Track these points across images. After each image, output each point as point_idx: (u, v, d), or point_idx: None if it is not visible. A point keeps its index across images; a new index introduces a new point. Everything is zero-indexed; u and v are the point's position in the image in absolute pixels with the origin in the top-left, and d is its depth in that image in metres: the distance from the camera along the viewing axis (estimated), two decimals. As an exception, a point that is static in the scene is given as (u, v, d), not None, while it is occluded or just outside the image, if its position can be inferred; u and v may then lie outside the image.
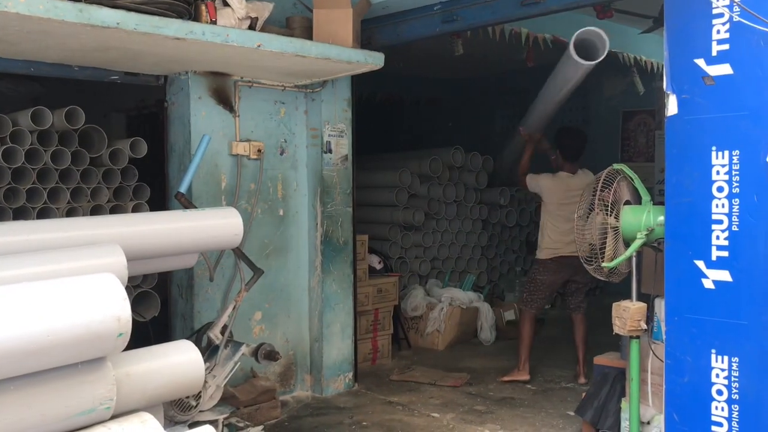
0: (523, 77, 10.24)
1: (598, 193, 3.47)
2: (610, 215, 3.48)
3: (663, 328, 3.81)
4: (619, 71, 9.08)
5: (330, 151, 4.97)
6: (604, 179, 3.51)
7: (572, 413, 4.52)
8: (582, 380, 5.26)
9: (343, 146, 5.06)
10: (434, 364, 5.81)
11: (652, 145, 8.99)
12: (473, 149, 7.81)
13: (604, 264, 3.47)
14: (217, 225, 2.98)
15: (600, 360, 4.28)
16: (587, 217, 3.59)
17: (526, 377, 5.26)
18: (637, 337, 3.52)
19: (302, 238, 4.99)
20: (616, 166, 3.59)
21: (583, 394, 4.42)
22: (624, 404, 3.81)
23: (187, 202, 3.87)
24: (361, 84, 5.42)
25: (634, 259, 3.50)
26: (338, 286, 5.03)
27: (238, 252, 3.97)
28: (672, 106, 3.26)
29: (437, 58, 7.14)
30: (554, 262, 5.28)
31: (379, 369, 5.67)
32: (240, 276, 4.26)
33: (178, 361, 2.37)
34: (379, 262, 6.06)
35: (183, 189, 3.83)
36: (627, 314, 3.48)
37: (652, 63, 8.17)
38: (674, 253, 3.26)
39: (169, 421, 3.52)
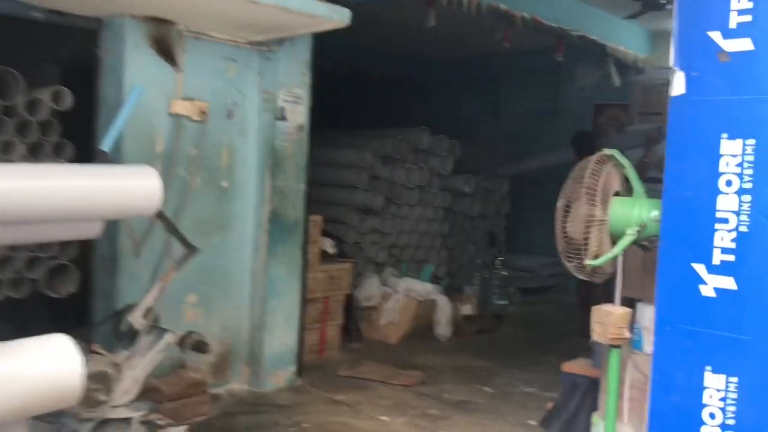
0: (495, 62, 9.82)
1: (586, 180, 3.03)
2: (596, 206, 3.05)
3: (646, 338, 3.42)
4: (594, 60, 8.71)
5: (284, 119, 4.44)
6: (593, 167, 3.07)
7: (534, 423, 4.12)
8: None
9: (299, 114, 4.54)
10: (386, 358, 5.35)
11: (624, 141, 8.65)
12: (439, 133, 7.35)
13: (587, 262, 3.04)
14: (127, 187, 2.44)
15: (570, 367, 3.88)
16: (568, 207, 3.15)
17: None
18: (618, 346, 3.12)
19: (247, 214, 4.47)
20: (607, 151, 3.15)
21: (548, 404, 4.02)
22: (596, 419, 3.40)
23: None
24: (324, 54, 4.92)
25: (620, 257, 3.08)
26: (285, 270, 4.53)
27: (168, 224, 3.43)
28: (678, 85, 2.82)
29: (408, 31, 6.64)
30: None
31: (327, 362, 5.19)
32: (170, 253, 3.72)
33: (43, 366, 1.83)
34: (333, 246, 5.57)
35: (106, 147, 3.26)
36: (609, 320, 3.06)
37: (631, 54, 7.80)
38: (669, 254, 2.84)
39: (72, 419, 2.99)
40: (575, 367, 3.83)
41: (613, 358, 3.13)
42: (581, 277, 3.19)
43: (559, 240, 3.16)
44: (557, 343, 6.16)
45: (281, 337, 4.54)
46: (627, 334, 3.07)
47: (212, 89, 4.23)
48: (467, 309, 6.66)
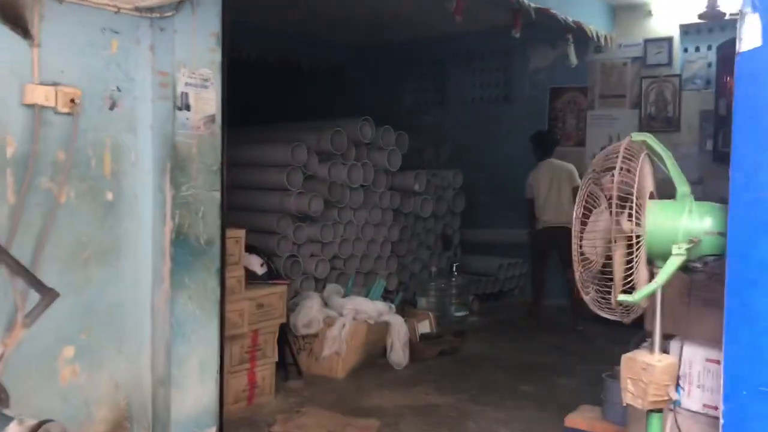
0: (440, 46, 8.93)
1: (616, 178, 2.10)
2: (627, 215, 2.12)
3: (687, 390, 2.54)
4: (549, 39, 7.91)
5: (187, 108, 3.39)
6: (621, 158, 2.14)
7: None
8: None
9: (207, 102, 3.49)
10: (332, 401, 4.37)
11: (583, 128, 7.90)
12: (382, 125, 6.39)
13: (618, 297, 2.11)
14: None
15: (574, 422, 2.97)
16: (587, 216, 2.22)
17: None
18: (660, 410, 2.22)
19: (143, 235, 3.40)
20: (636, 136, 2.24)
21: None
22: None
23: None
24: (247, 40, 3.91)
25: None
26: (196, 305, 3.48)
27: (10, 262, 2.35)
28: (751, 33, 1.91)
29: (342, 14, 5.67)
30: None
31: (258, 412, 4.16)
32: (16, 302, 2.63)
33: None
34: (262, 265, 4.54)
35: None
36: (650, 376, 2.16)
37: (591, 31, 6.99)
38: (740, 283, 1.95)
39: None
40: (581, 421, 2.93)
41: (654, 426, 2.23)
42: (607, 316, 2.27)
43: (575, 263, 2.23)
44: (533, 363, 5.31)
45: (194, 391, 3.49)
46: (674, 395, 2.18)
47: (86, 71, 3.15)
48: (424, 326, 5.74)
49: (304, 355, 4.92)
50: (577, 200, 2.21)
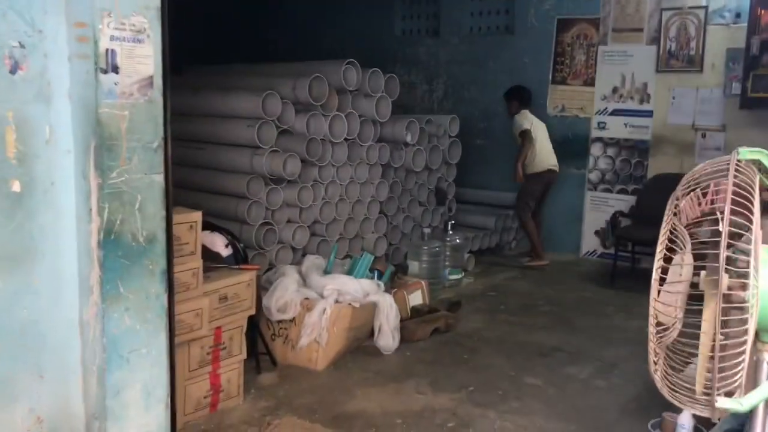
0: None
1: (727, 216, 1.39)
2: (717, 267, 1.42)
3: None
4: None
5: (114, 70, 2.60)
6: (725, 182, 1.43)
7: None
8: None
9: (142, 60, 2.70)
10: (310, 404, 3.76)
11: (593, 65, 7.11)
12: (368, 62, 5.56)
13: (722, 404, 1.43)
14: None
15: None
16: (669, 261, 1.52)
17: (546, 261, 6.73)
18: None
19: (64, 234, 2.67)
20: (745, 151, 1.51)
21: None
22: None
23: None
24: None
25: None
26: (136, 317, 2.79)
27: None
28: None
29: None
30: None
31: (222, 422, 3.55)
32: None
33: None
34: (227, 246, 3.83)
35: None
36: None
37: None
38: None
39: None
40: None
41: None
42: (685, 407, 1.61)
43: (650, 332, 1.54)
44: (537, 345, 4.73)
45: (138, 421, 2.84)
46: None
47: (-27, 21, 2.36)
48: (416, 297, 5.12)
49: (280, 342, 4.29)
50: (659, 248, 1.51)
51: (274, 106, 4.76)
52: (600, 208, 7.12)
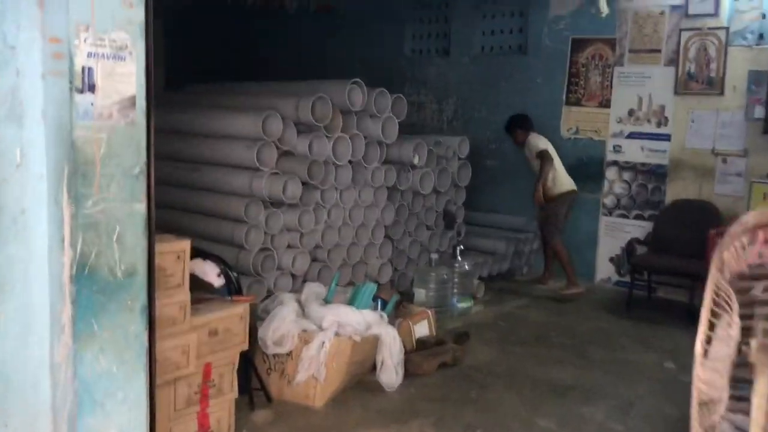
0: (445, -15, 7.84)
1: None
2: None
3: None
4: (574, -20, 6.85)
5: (91, 89, 2.39)
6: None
7: None
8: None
9: (123, 79, 2.48)
10: (306, 446, 3.51)
11: (609, 86, 6.89)
12: (376, 82, 5.36)
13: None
14: None
15: None
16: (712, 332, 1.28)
17: (582, 289, 6.38)
18: None
19: (35, 266, 2.45)
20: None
21: None
22: None
23: None
24: None
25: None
26: (112, 358, 2.56)
27: None
28: None
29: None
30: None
31: (210, 466, 3.30)
32: None
33: None
34: (219, 275, 3.60)
35: None
36: None
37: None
38: None
39: None
40: None
41: None
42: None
43: (692, 407, 1.30)
44: (550, 381, 4.46)
45: (114, 472, 2.61)
46: None
47: (-64, 35, 2.16)
48: (422, 328, 4.87)
49: (275, 377, 4.04)
50: (704, 303, 1.27)
51: (275, 126, 4.56)
52: (615, 234, 6.86)
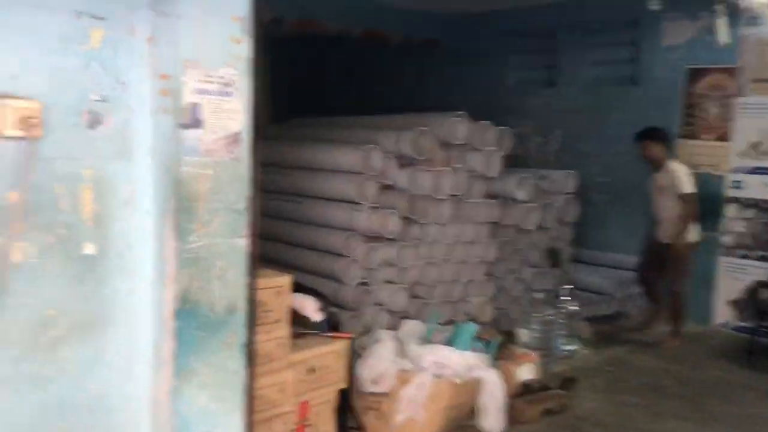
0: (550, 15, 7.63)
1: None
2: None
3: None
4: (687, 8, 6.51)
5: (197, 125, 2.40)
6: None
7: None
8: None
9: (229, 115, 2.49)
10: (402, 493, 3.37)
11: (730, 119, 6.46)
12: (478, 113, 5.24)
13: None
14: None
15: None
16: None
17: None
18: None
19: (138, 300, 2.47)
20: None
21: None
22: None
23: None
24: (325, 11, 2.88)
25: None
26: (211, 395, 2.53)
27: None
28: None
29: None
30: None
31: None
32: None
33: None
34: (318, 310, 3.55)
35: None
36: None
37: (750, -1, 5.55)
38: None
39: None
40: None
41: None
42: None
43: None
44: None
45: None
46: None
47: (54, 73, 2.22)
48: (526, 371, 4.63)
49: (372, 416, 3.93)
50: None
51: (376, 160, 4.52)
52: (736, 276, 6.38)
